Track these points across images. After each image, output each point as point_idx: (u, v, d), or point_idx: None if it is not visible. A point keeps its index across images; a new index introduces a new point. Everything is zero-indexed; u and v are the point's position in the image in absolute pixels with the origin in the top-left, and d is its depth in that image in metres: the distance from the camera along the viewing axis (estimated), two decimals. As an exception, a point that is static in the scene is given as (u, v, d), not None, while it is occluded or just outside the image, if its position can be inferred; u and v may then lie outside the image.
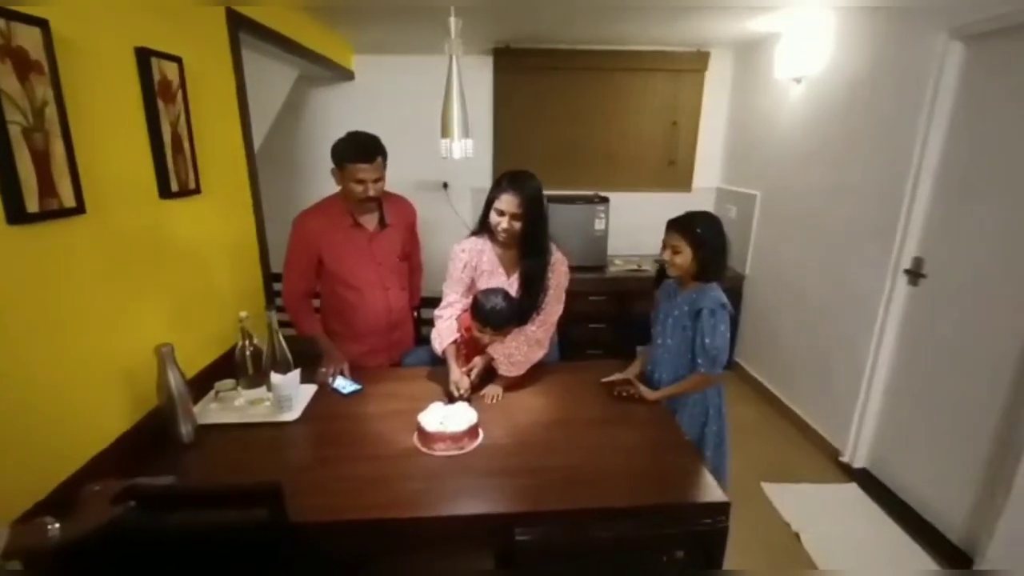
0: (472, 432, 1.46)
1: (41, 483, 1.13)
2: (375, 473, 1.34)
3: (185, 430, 1.45)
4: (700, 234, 1.61)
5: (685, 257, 1.63)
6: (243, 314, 1.59)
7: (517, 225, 1.72)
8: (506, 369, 1.75)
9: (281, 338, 1.62)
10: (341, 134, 1.82)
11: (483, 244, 1.84)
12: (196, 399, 1.62)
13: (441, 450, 1.41)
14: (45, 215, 1.11)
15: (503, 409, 1.67)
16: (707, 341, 1.60)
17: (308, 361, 1.85)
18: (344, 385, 1.76)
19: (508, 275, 1.84)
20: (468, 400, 1.64)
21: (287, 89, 2.91)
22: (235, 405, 1.63)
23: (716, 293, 1.65)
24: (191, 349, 1.69)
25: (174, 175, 1.55)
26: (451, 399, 1.64)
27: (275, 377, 1.56)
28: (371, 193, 1.77)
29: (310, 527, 1.15)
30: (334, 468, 1.38)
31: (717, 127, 3.71)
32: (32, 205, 1.07)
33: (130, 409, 1.42)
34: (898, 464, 2.33)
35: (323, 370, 1.80)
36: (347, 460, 1.40)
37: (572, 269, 1.88)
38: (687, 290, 1.71)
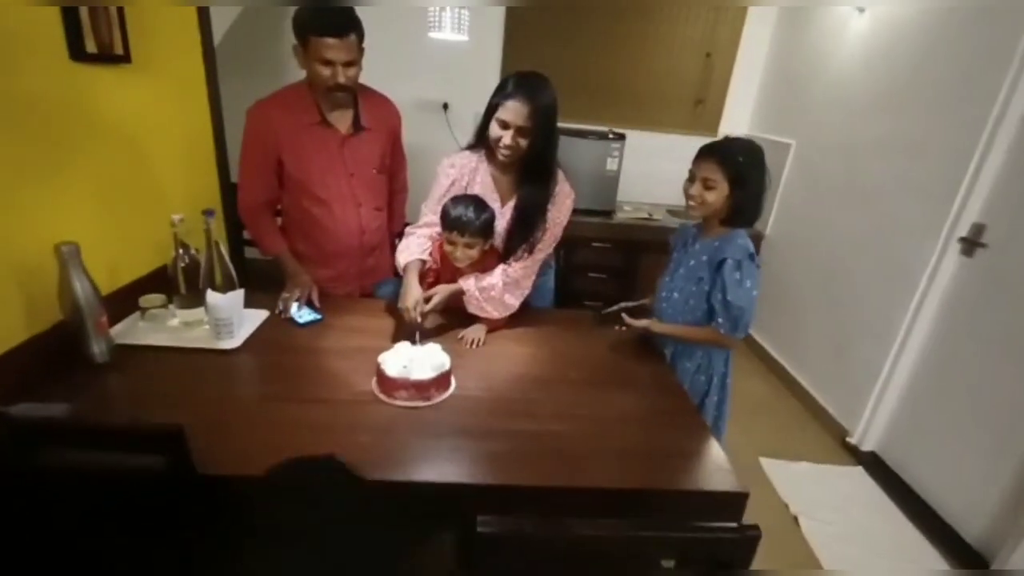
0: (442, 381, 1.21)
1: None
2: (319, 420, 1.11)
3: (97, 349, 1.21)
4: (742, 165, 1.30)
5: (719, 194, 1.33)
6: (176, 217, 1.31)
7: (523, 143, 1.41)
8: (476, 308, 1.49)
9: (223, 250, 1.34)
10: None
11: (478, 161, 1.54)
12: (125, 314, 1.38)
13: (403, 399, 1.17)
14: None
15: (484, 356, 1.42)
16: (729, 298, 1.32)
17: (270, 284, 1.60)
18: (301, 314, 1.50)
19: (503, 202, 1.55)
20: (420, 326, 1.36)
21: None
22: (168, 326, 1.38)
23: (744, 241, 1.36)
24: (120, 256, 1.43)
25: (91, 32, 1.23)
26: (412, 337, 1.36)
27: (211, 296, 1.29)
28: (341, 80, 1.42)
29: (225, 482, 0.92)
30: (271, 410, 1.14)
31: (756, 63, 3.29)
32: None
33: (27, 317, 1.17)
34: (913, 452, 2.12)
35: (286, 295, 1.53)
36: (289, 401, 1.17)
37: (575, 212, 1.59)
38: (710, 236, 1.42)
